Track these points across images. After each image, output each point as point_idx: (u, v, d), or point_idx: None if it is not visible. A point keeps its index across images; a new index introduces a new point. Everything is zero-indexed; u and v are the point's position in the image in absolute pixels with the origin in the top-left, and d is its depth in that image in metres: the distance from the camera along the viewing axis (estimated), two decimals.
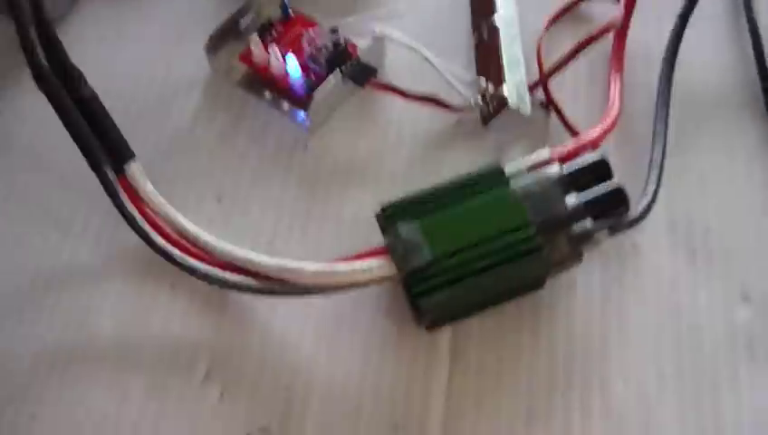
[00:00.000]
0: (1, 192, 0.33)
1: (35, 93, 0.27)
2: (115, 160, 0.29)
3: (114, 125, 0.29)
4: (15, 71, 0.34)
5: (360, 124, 0.34)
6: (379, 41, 0.33)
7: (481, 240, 0.26)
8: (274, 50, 0.33)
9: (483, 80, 0.32)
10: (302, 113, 0.33)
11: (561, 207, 0.27)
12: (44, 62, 0.27)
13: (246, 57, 0.35)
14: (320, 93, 0.33)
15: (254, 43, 0.34)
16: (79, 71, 0.29)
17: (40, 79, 0.27)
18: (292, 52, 0.34)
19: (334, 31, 0.33)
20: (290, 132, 0.34)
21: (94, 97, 0.29)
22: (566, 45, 0.33)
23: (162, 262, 0.28)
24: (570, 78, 0.34)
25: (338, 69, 0.33)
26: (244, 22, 0.36)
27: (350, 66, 0.33)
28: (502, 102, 0.31)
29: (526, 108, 0.31)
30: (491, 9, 0.34)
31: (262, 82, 0.34)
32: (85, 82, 0.29)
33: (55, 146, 0.30)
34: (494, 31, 0.33)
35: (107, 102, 0.29)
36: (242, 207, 0.32)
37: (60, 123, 0.28)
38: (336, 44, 0.33)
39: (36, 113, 0.32)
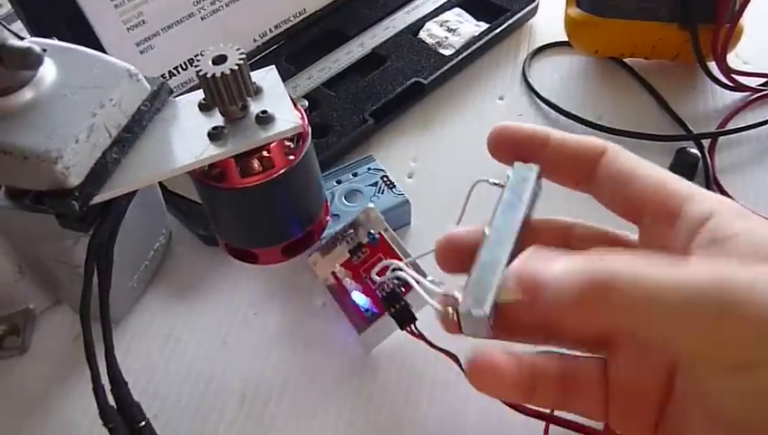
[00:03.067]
0: None
1: None
2: None
3: None
4: None
5: None
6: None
7: None
8: (350, 280, 0.41)
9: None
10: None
11: None
12: (111, 402, 0.33)
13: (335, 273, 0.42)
14: (371, 329, 0.40)
15: (340, 271, 0.42)
16: (137, 403, 0.34)
17: (105, 418, 0.33)
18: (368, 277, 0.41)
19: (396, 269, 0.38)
20: None
21: (148, 425, 0.34)
22: None
23: None
24: None
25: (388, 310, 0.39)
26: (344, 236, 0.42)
27: (397, 308, 0.38)
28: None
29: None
30: None
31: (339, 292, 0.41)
32: (141, 411, 0.35)
33: None
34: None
35: (154, 403, 0.35)
36: None
37: None
38: (395, 285, 0.39)
39: None
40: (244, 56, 0.32)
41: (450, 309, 0.30)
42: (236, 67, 0.32)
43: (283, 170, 0.35)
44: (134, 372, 0.37)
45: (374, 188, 0.47)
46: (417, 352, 0.40)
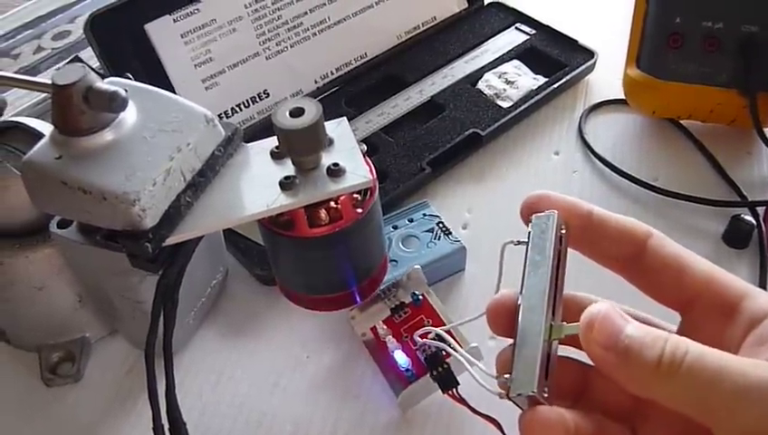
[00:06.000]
0: None
1: None
2: None
3: None
4: None
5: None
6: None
7: None
8: (392, 339, 0.42)
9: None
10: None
11: None
12: None
13: (374, 329, 0.43)
14: (410, 390, 0.40)
15: (381, 328, 0.42)
16: None
17: None
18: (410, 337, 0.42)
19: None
20: None
21: None
22: None
23: None
24: None
25: (430, 373, 0.40)
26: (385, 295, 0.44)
27: (440, 371, 0.39)
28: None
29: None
30: None
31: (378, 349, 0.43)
32: None
33: None
34: None
35: None
36: None
37: None
38: (437, 349, 0.40)
39: None
40: (322, 111, 0.33)
41: (505, 393, 0.29)
42: (314, 122, 0.33)
43: (350, 223, 0.35)
44: (186, 407, 0.37)
45: (430, 234, 0.48)
46: (456, 415, 0.40)
